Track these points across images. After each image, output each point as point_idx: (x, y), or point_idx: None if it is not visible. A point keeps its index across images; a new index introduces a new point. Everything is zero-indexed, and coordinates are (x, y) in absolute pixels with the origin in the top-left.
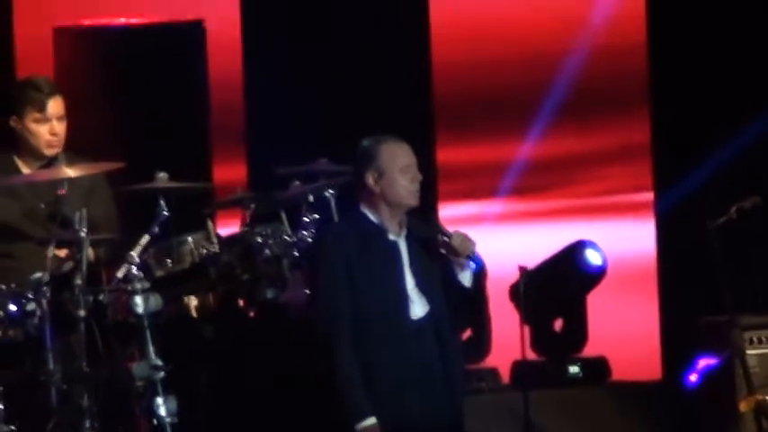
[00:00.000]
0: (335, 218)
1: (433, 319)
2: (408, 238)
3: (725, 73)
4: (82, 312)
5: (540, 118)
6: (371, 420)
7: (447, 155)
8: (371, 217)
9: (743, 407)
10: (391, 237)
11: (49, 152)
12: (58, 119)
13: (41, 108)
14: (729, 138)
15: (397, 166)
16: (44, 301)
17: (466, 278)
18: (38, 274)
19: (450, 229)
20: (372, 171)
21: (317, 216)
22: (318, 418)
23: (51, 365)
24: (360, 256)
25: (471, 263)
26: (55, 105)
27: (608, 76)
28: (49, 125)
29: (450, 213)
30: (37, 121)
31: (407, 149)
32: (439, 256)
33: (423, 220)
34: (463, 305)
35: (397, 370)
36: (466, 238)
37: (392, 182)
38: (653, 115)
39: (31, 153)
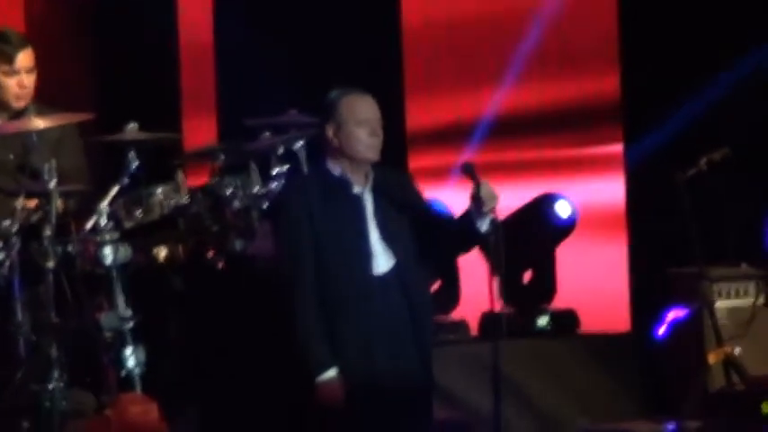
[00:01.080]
0: (305, 170)
1: (398, 273)
2: (374, 191)
3: (694, 25)
4: (50, 263)
5: (509, 72)
6: (332, 372)
7: (416, 107)
8: (335, 170)
9: (711, 359)
10: (355, 189)
11: (17, 104)
12: (27, 71)
13: (10, 61)
14: (699, 90)
15: (354, 119)
16: (13, 252)
17: (484, 225)
18: (6, 222)
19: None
20: (332, 124)
21: (286, 168)
22: (286, 369)
23: (20, 316)
24: (323, 209)
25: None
26: (24, 58)
27: (578, 31)
28: (17, 78)
29: (418, 165)
30: (5, 73)
31: (368, 103)
32: (415, 202)
33: (395, 171)
34: (468, 245)
35: (364, 324)
36: (492, 191)
37: (349, 135)
38: (623, 68)
39: (1, 105)
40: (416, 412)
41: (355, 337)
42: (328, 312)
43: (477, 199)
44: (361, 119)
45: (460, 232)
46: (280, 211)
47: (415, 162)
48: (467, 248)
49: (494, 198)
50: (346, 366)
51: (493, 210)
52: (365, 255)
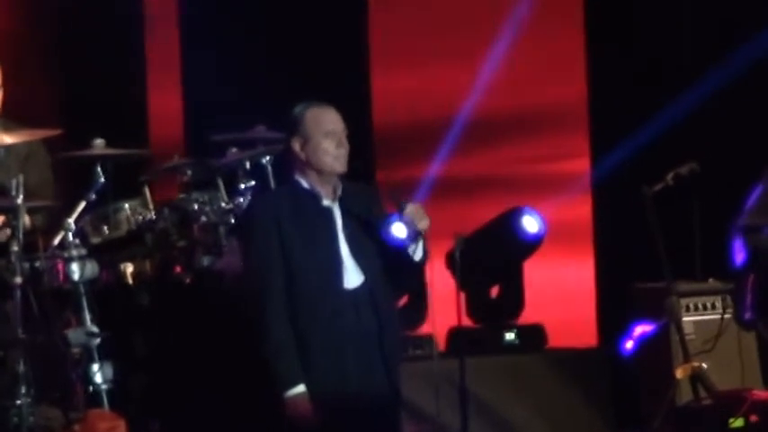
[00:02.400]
0: (272, 185)
1: (368, 288)
2: (342, 205)
3: (661, 38)
4: (18, 279)
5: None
6: (300, 388)
7: (383, 121)
8: (303, 183)
9: (679, 374)
10: (324, 203)
11: None
12: None
13: None
14: (666, 103)
15: (320, 132)
16: None
17: (417, 252)
18: None
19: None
20: (298, 137)
21: (253, 183)
22: (255, 386)
23: None
24: (292, 223)
25: (421, 237)
26: None
27: (545, 42)
28: None
29: (387, 176)
30: None
31: (333, 115)
32: (380, 218)
33: (363, 186)
34: (410, 276)
35: (334, 340)
36: (420, 211)
37: (316, 147)
38: (589, 81)
39: None
40: (384, 428)
41: (326, 353)
42: (299, 327)
43: (405, 222)
44: (327, 130)
45: (399, 264)
46: (248, 225)
47: (383, 173)
48: (406, 279)
49: (423, 219)
50: (316, 381)
51: (423, 233)
52: (336, 269)
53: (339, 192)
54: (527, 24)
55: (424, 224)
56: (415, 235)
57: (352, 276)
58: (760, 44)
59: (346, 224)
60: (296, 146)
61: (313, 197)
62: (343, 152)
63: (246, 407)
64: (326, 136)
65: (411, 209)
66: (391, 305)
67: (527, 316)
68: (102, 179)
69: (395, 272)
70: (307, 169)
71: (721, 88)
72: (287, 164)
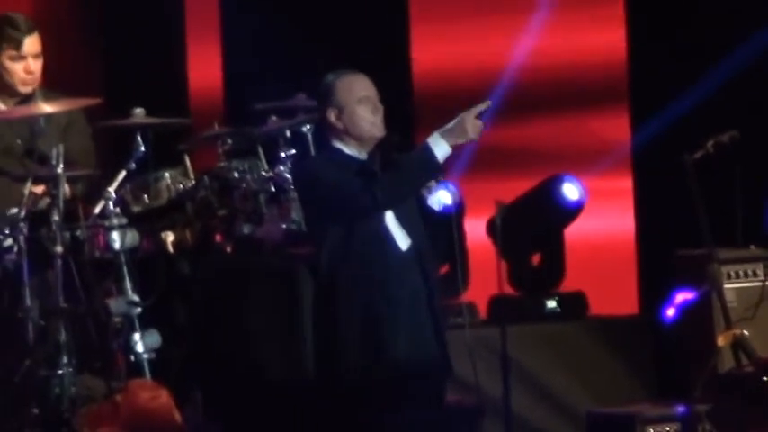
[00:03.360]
0: (313, 153)
1: (416, 252)
2: (383, 171)
3: (703, 3)
4: (59, 248)
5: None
6: (438, 142)
7: (423, 89)
8: (346, 150)
9: (720, 341)
10: (372, 167)
11: (23, 89)
12: (34, 57)
13: (17, 46)
14: (707, 71)
15: (354, 99)
16: (21, 238)
17: (435, 202)
18: (14, 210)
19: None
20: (332, 108)
21: (293, 151)
22: (293, 354)
23: (28, 301)
24: None
25: (438, 188)
26: (31, 43)
27: (585, 8)
28: (24, 63)
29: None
30: (12, 58)
31: (365, 81)
32: None
33: (396, 148)
34: (438, 234)
35: (386, 305)
36: (473, 114)
37: (352, 115)
38: (629, 49)
39: (7, 90)
40: (433, 393)
41: (377, 319)
42: (351, 297)
43: None
44: (360, 97)
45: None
46: (315, 173)
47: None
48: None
49: (479, 121)
50: (369, 347)
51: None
52: (385, 234)
53: (378, 156)
54: None
55: (471, 128)
56: (432, 186)
57: (400, 242)
58: None
59: None
60: (331, 116)
61: (359, 162)
62: (380, 117)
63: (286, 376)
64: (360, 102)
65: (469, 112)
66: (436, 270)
67: (568, 284)
68: (143, 148)
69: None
70: (345, 137)
71: (762, 55)
72: (324, 134)
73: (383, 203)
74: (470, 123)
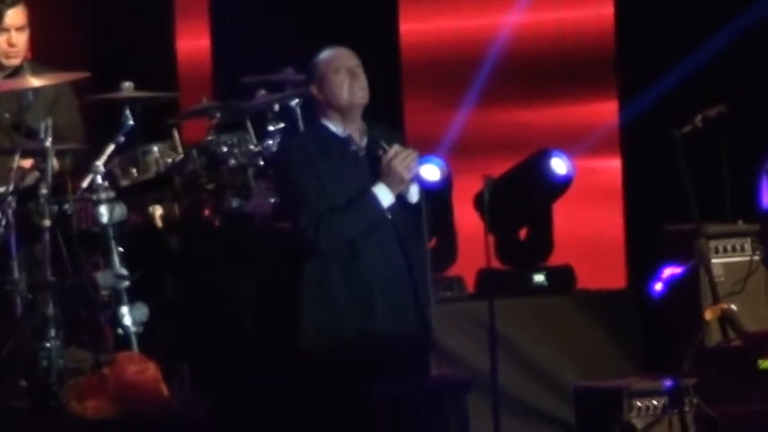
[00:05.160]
0: (301, 127)
1: (396, 228)
2: (369, 147)
3: None
4: (47, 222)
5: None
6: (377, 187)
7: (411, 63)
8: (331, 127)
9: (708, 315)
10: (353, 146)
11: (7, 62)
12: (18, 29)
13: None
14: (694, 45)
15: (331, 69)
16: (9, 211)
17: (412, 195)
18: (2, 184)
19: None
20: (314, 82)
21: (282, 125)
22: (280, 327)
23: (16, 274)
24: (322, 164)
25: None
26: (14, 15)
27: None
28: (6, 35)
29: (415, 121)
30: None
31: (343, 52)
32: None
33: (385, 128)
34: (414, 220)
35: (365, 279)
36: (404, 154)
37: (329, 84)
38: (617, 24)
39: None
40: (413, 369)
41: (356, 294)
42: (326, 268)
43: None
44: (337, 66)
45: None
46: (282, 162)
47: (412, 119)
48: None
49: (404, 163)
50: (348, 322)
51: (414, 175)
52: None
53: (365, 133)
54: None
55: (409, 167)
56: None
57: (387, 202)
58: None
59: (373, 167)
60: (314, 90)
61: (341, 140)
62: (359, 84)
63: (273, 348)
64: (338, 71)
65: (393, 155)
66: (420, 246)
67: (556, 258)
68: (131, 122)
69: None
70: (330, 111)
71: (750, 30)
72: (313, 112)
73: (323, 248)
74: (399, 167)
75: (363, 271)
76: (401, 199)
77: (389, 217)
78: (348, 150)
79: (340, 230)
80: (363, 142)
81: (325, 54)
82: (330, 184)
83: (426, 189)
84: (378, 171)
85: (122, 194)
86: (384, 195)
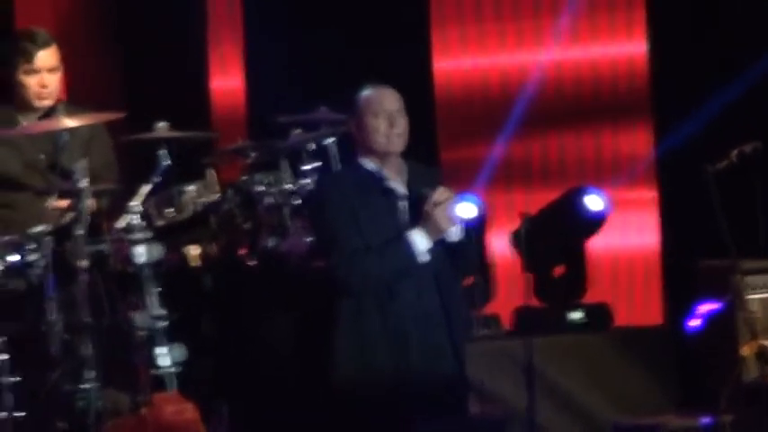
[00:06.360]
0: (336, 166)
1: (432, 268)
2: (409, 186)
3: (726, 15)
4: (83, 263)
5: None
6: (414, 234)
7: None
8: (367, 165)
9: (745, 351)
10: (389, 184)
11: (39, 104)
12: (49, 70)
13: (30, 59)
14: (732, 79)
15: (370, 112)
16: (46, 252)
17: (454, 233)
18: (40, 227)
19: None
20: (353, 120)
21: (317, 164)
22: (316, 366)
23: (53, 316)
24: (359, 202)
25: (458, 218)
26: (45, 57)
27: (606, 22)
28: (38, 77)
29: (450, 157)
30: (27, 72)
31: (386, 94)
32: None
33: (428, 167)
34: (456, 257)
35: (398, 317)
36: (449, 195)
37: (366, 128)
38: (652, 62)
39: (26, 105)
40: (451, 409)
41: (391, 332)
42: (362, 306)
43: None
44: (377, 110)
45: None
46: (319, 202)
47: (447, 155)
48: (460, 266)
49: (449, 199)
50: (382, 361)
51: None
52: None
53: (405, 172)
54: (585, 6)
55: (443, 222)
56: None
57: (423, 249)
58: None
59: (411, 206)
60: (352, 128)
61: (378, 179)
62: (397, 131)
63: (310, 389)
64: (376, 115)
65: (441, 193)
66: (455, 285)
67: (593, 295)
68: (166, 162)
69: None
70: (366, 151)
71: None
72: (350, 149)
73: (354, 288)
74: (439, 216)
75: (398, 310)
76: (443, 240)
77: (425, 260)
78: (385, 189)
79: (373, 271)
80: (402, 181)
81: (367, 94)
82: (366, 222)
83: (469, 227)
84: (415, 212)
85: (158, 234)
86: (420, 241)
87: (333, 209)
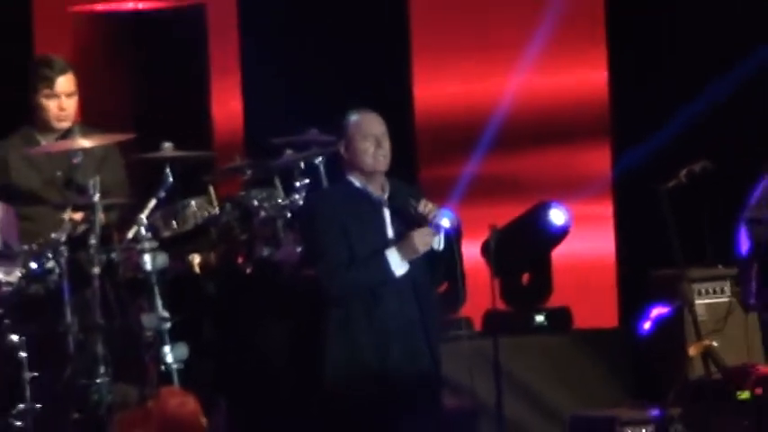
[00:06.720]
0: (324, 183)
1: (411, 276)
2: (391, 201)
3: (678, 48)
4: (96, 270)
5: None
6: (390, 253)
7: (424, 125)
8: (355, 182)
9: (692, 351)
10: (374, 200)
11: (57, 125)
12: (67, 95)
13: (50, 85)
14: (681, 107)
15: (359, 135)
16: (62, 260)
17: (436, 242)
18: (55, 235)
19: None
20: (343, 141)
21: (307, 181)
22: (306, 364)
23: (69, 317)
24: (347, 217)
25: (442, 229)
26: (64, 83)
27: (568, 53)
28: (57, 101)
29: (428, 175)
30: (47, 96)
31: (373, 119)
32: (414, 219)
33: (407, 184)
34: (437, 264)
35: (381, 322)
36: (432, 207)
37: (355, 149)
38: (611, 84)
39: (45, 126)
40: (427, 402)
41: (374, 334)
42: (349, 310)
43: (420, 218)
44: (365, 133)
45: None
46: (309, 216)
47: (425, 173)
48: (436, 268)
49: (435, 212)
50: (364, 361)
51: (438, 225)
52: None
53: (387, 189)
54: (551, 38)
55: (437, 217)
56: (435, 229)
57: (399, 266)
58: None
59: (394, 219)
60: (341, 149)
61: (364, 195)
62: (383, 152)
63: (300, 384)
64: (365, 138)
65: (425, 205)
66: (431, 293)
67: (555, 300)
68: (171, 179)
69: (430, 262)
70: (354, 170)
71: (731, 93)
72: (340, 166)
73: (334, 296)
74: (418, 240)
75: (382, 317)
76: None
77: (402, 273)
78: (370, 203)
79: (351, 283)
80: (386, 194)
81: (356, 118)
82: (355, 233)
83: (448, 237)
84: (398, 223)
85: (164, 244)
86: (395, 261)
87: (322, 222)
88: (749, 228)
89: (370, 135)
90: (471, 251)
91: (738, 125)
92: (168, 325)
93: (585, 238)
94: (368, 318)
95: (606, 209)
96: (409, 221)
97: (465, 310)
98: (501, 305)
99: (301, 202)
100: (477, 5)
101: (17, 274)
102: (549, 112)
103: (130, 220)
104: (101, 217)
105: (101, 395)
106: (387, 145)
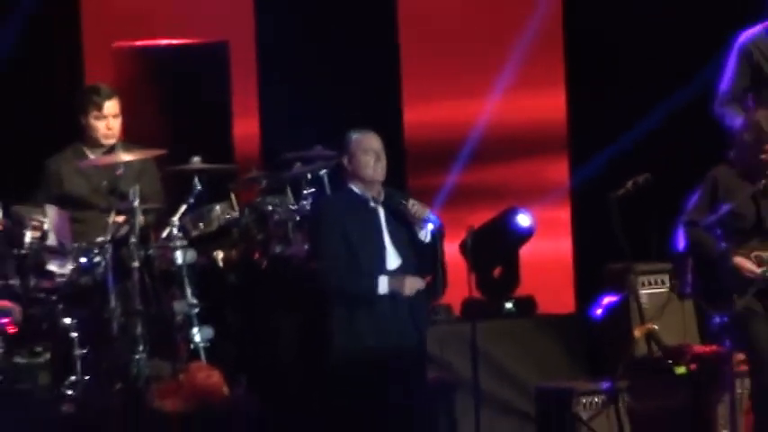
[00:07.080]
0: (328, 191)
1: (403, 269)
2: (385, 205)
3: (628, 72)
4: (136, 263)
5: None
6: (381, 281)
7: (413, 142)
8: (355, 190)
9: (637, 333)
10: (371, 205)
11: (105, 142)
12: (114, 117)
13: (99, 108)
14: (630, 127)
15: (360, 150)
16: (107, 256)
17: (423, 235)
18: (101, 235)
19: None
20: (346, 155)
21: (313, 190)
22: (314, 345)
23: (113, 304)
24: (348, 219)
25: (428, 223)
26: (110, 106)
27: (532, 85)
28: (105, 121)
29: (416, 184)
30: (96, 118)
31: (372, 137)
32: (405, 218)
33: (398, 191)
34: (425, 255)
35: (378, 307)
36: (419, 206)
37: (357, 162)
38: (568, 106)
39: (94, 143)
40: (414, 375)
41: (371, 318)
42: (352, 300)
43: (409, 215)
44: (366, 148)
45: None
46: (316, 220)
47: (413, 182)
48: (424, 256)
49: (421, 210)
50: (363, 339)
51: (425, 217)
52: (382, 254)
53: (382, 195)
54: (518, 70)
55: (424, 213)
56: (422, 223)
57: (393, 260)
58: (702, 80)
59: (388, 220)
60: (345, 162)
61: (363, 200)
62: (381, 165)
63: (308, 361)
64: (366, 153)
65: (412, 205)
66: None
67: (522, 290)
68: (199, 187)
69: (419, 252)
70: (355, 179)
71: (673, 114)
72: (341, 176)
73: (329, 290)
74: (408, 286)
75: (378, 305)
76: (415, 241)
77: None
78: (369, 208)
79: (342, 288)
80: (381, 200)
81: (357, 136)
82: (354, 234)
83: (434, 234)
84: (392, 222)
85: (192, 242)
86: (383, 286)
87: (324, 226)
88: (686, 229)
89: (370, 150)
90: (452, 249)
91: (677, 143)
92: (196, 310)
93: (547, 237)
94: (367, 305)
95: (565, 213)
96: (401, 220)
97: (446, 298)
98: (476, 294)
99: (309, 207)
100: (458, 41)
101: (69, 267)
102: (517, 131)
103: (164, 222)
104: (140, 219)
105: (139, 369)
106: (384, 159)
